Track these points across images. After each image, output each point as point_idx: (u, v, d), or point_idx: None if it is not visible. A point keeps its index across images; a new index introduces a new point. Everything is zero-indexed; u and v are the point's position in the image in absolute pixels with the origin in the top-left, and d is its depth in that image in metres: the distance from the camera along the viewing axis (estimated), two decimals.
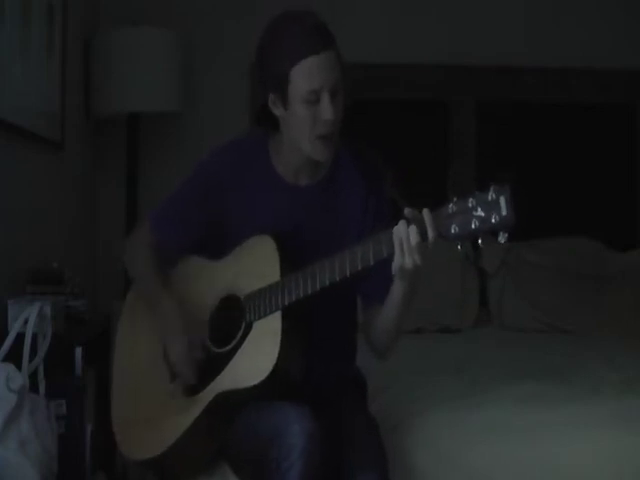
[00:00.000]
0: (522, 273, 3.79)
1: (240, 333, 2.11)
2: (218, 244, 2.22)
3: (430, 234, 1.86)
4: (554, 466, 2.22)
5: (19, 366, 2.16)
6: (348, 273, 1.97)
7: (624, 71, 4.07)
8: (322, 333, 2.10)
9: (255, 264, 2.13)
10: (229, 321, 2.15)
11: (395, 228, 1.90)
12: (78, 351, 2.42)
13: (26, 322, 2.25)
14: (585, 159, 4.07)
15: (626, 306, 3.70)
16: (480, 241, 1.81)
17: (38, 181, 3.05)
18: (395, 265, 1.92)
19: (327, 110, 2.02)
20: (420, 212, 1.87)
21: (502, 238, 1.76)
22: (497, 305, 3.78)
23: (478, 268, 3.83)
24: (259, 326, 2.08)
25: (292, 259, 2.08)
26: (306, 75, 2.01)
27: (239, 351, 2.09)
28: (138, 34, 3.67)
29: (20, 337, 2.22)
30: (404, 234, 1.88)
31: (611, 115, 4.09)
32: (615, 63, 4.05)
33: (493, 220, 1.76)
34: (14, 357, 2.18)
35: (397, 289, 2.02)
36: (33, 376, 2.22)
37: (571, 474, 2.22)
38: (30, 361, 2.21)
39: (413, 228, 1.88)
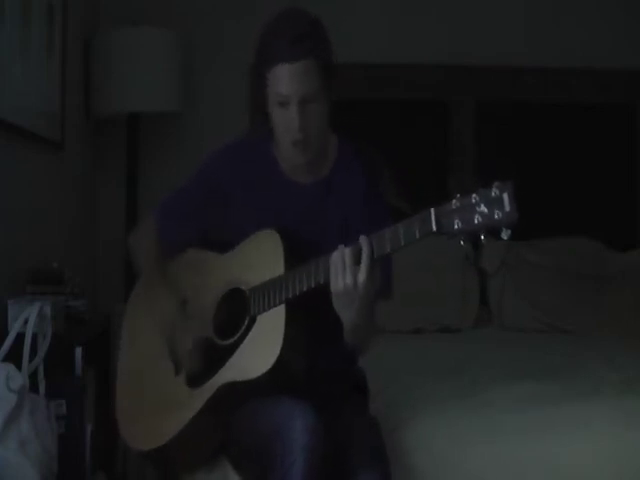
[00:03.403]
0: (522, 273, 3.79)
1: (244, 326, 2.13)
2: (221, 240, 2.25)
3: (363, 260, 1.93)
4: (554, 466, 2.22)
5: (19, 366, 2.16)
6: None
7: (624, 71, 4.07)
8: (325, 328, 2.11)
9: (260, 258, 2.16)
10: (234, 314, 2.17)
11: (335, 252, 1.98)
12: (78, 351, 2.43)
13: (26, 322, 2.25)
14: (585, 159, 4.07)
15: (626, 306, 3.70)
16: (482, 237, 1.81)
17: (38, 181, 3.05)
18: (331, 284, 1.98)
19: (292, 118, 2.07)
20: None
21: (505, 235, 1.78)
22: (497, 305, 3.78)
23: (478, 268, 3.83)
24: (263, 319, 2.10)
25: (296, 254, 2.10)
26: (276, 80, 2.07)
27: (243, 344, 2.11)
28: (138, 34, 3.67)
29: (20, 337, 2.22)
30: (339, 255, 1.96)
31: (611, 115, 4.09)
32: (615, 63, 4.05)
33: (496, 216, 1.77)
34: (14, 357, 2.18)
35: (336, 308, 2.03)
36: (33, 376, 2.22)
37: (571, 474, 2.22)
38: (30, 361, 2.21)
39: (348, 251, 1.95)
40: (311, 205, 2.20)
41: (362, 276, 1.95)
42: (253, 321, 2.12)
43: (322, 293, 2.03)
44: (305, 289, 2.04)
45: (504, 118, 4.06)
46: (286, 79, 2.05)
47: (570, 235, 3.90)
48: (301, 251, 2.10)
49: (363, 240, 1.95)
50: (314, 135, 2.11)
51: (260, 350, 2.05)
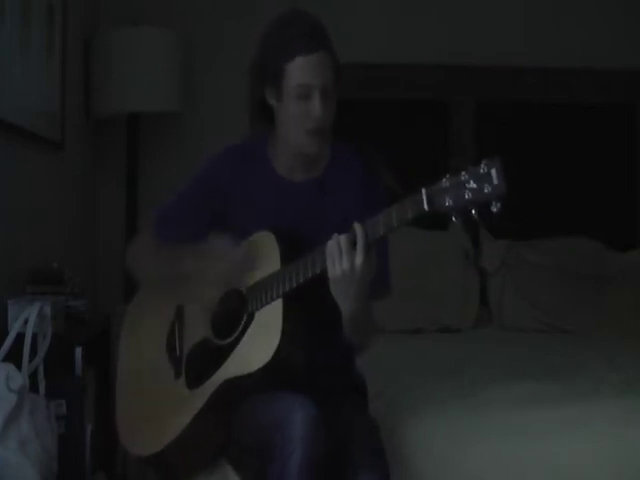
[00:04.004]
0: (522, 273, 3.79)
1: (242, 323, 2.13)
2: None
3: (359, 243, 1.95)
4: (554, 466, 2.22)
5: (19, 366, 2.16)
6: None
7: (624, 71, 4.07)
8: (323, 322, 2.12)
9: (256, 259, 2.16)
10: (232, 314, 2.17)
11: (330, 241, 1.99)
12: (78, 351, 2.43)
13: (26, 322, 2.25)
14: (585, 159, 4.06)
15: (626, 306, 3.70)
16: (474, 212, 1.86)
17: (38, 181, 3.05)
18: (328, 271, 2.00)
19: (316, 106, 2.10)
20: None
21: (495, 207, 1.83)
22: (497, 305, 3.78)
23: (478, 268, 3.83)
24: (261, 314, 2.11)
25: (292, 253, 2.11)
26: (300, 70, 2.10)
27: (242, 340, 2.11)
28: (138, 34, 3.67)
29: (20, 337, 2.22)
30: (335, 243, 1.98)
31: (611, 115, 4.09)
32: (615, 63, 4.05)
33: (486, 190, 1.83)
34: (14, 357, 2.18)
35: (334, 295, 2.04)
36: (33, 376, 2.22)
37: (571, 474, 2.22)
38: (30, 361, 2.21)
39: (343, 237, 1.97)
40: (309, 203, 2.22)
41: (359, 258, 1.96)
42: (251, 317, 2.12)
43: (320, 286, 2.03)
44: (302, 280, 2.05)
45: (504, 118, 4.06)
46: (310, 68, 2.10)
47: (570, 235, 3.90)
48: (300, 250, 2.10)
49: (357, 226, 1.98)
50: (327, 127, 2.15)
51: (259, 343, 2.06)
